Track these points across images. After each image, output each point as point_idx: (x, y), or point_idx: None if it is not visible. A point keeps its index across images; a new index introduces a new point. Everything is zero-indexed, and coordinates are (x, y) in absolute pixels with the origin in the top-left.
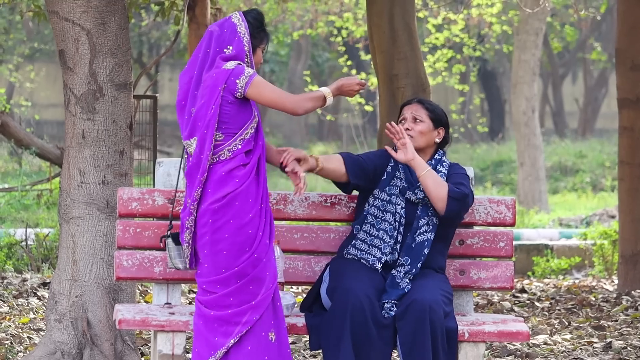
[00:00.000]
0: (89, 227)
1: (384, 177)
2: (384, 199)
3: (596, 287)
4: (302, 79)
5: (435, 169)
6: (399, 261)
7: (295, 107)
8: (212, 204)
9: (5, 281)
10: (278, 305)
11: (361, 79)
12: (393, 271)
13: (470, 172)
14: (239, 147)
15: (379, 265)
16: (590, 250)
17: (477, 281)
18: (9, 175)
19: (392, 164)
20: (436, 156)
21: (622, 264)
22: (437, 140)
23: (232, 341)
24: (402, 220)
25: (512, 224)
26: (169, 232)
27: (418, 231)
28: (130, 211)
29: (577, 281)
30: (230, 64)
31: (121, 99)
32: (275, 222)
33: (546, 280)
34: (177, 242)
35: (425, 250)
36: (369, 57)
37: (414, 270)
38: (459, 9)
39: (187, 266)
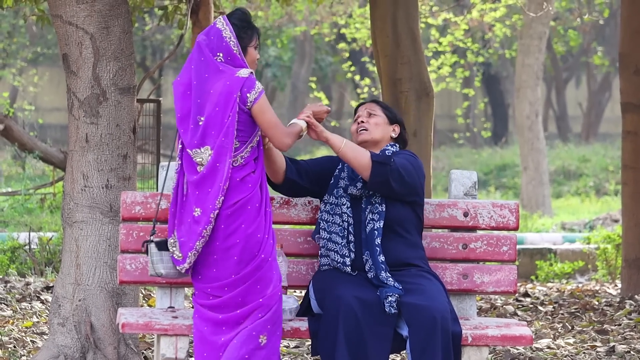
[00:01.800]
0: (92, 231)
1: (332, 182)
2: (333, 202)
3: (599, 291)
4: (305, 83)
5: None
6: (364, 260)
7: (282, 143)
8: (226, 210)
9: (8, 285)
10: (279, 311)
11: (327, 105)
12: (369, 275)
13: (474, 176)
14: (249, 154)
15: (347, 269)
16: (594, 254)
17: (480, 285)
18: (13, 179)
19: (340, 167)
20: (386, 147)
21: (626, 268)
22: (393, 135)
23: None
24: (350, 219)
25: (516, 228)
26: (152, 238)
27: (366, 222)
28: (134, 215)
29: (580, 285)
30: (244, 72)
31: (124, 102)
32: (279, 226)
33: (549, 285)
34: (160, 247)
35: (377, 240)
36: (375, 68)
37: (379, 264)
38: (462, 12)
39: (169, 272)
